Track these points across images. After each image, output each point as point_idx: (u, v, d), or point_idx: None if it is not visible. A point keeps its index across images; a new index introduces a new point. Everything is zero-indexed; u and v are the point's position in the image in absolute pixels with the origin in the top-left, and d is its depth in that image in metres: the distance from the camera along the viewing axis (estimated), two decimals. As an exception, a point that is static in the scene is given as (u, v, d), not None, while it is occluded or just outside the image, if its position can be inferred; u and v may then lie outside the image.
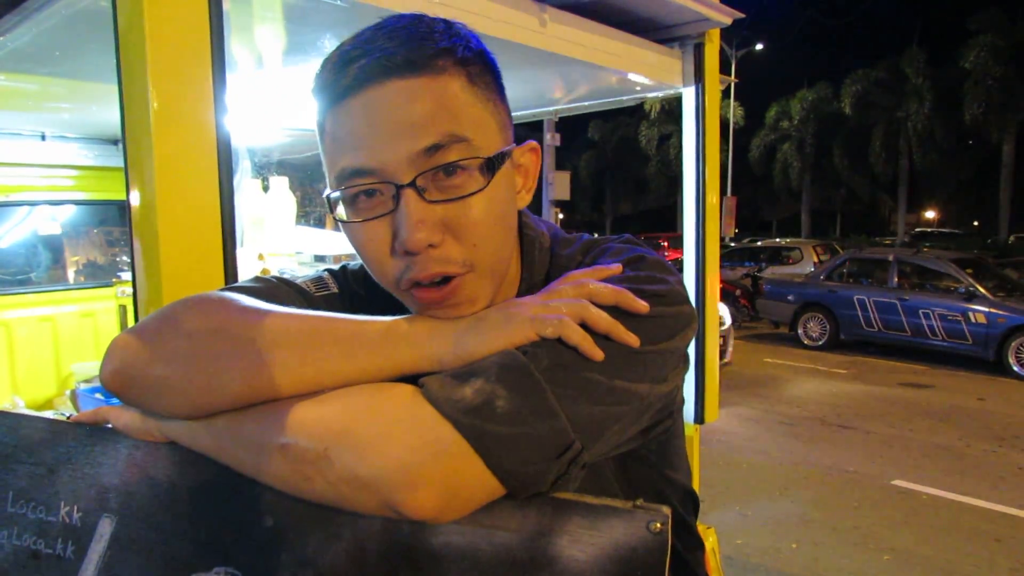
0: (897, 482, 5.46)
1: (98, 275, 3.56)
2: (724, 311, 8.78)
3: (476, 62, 0.74)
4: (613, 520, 0.64)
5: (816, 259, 16.71)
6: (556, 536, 0.65)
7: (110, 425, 0.84)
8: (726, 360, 8.93)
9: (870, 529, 4.63)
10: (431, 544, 0.68)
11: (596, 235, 0.94)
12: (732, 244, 22.81)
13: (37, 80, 2.17)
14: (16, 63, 1.89)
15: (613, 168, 39.62)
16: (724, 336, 8.69)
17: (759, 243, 21.34)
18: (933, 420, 7.23)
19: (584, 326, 0.68)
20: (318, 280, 0.91)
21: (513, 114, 2.53)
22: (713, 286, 2.41)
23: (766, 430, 6.90)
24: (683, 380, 0.84)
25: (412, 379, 0.68)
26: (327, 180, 0.76)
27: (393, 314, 0.75)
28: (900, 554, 4.27)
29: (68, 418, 0.92)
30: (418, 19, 0.74)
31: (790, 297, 11.69)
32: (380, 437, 0.64)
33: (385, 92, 0.69)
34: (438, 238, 0.70)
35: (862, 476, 5.62)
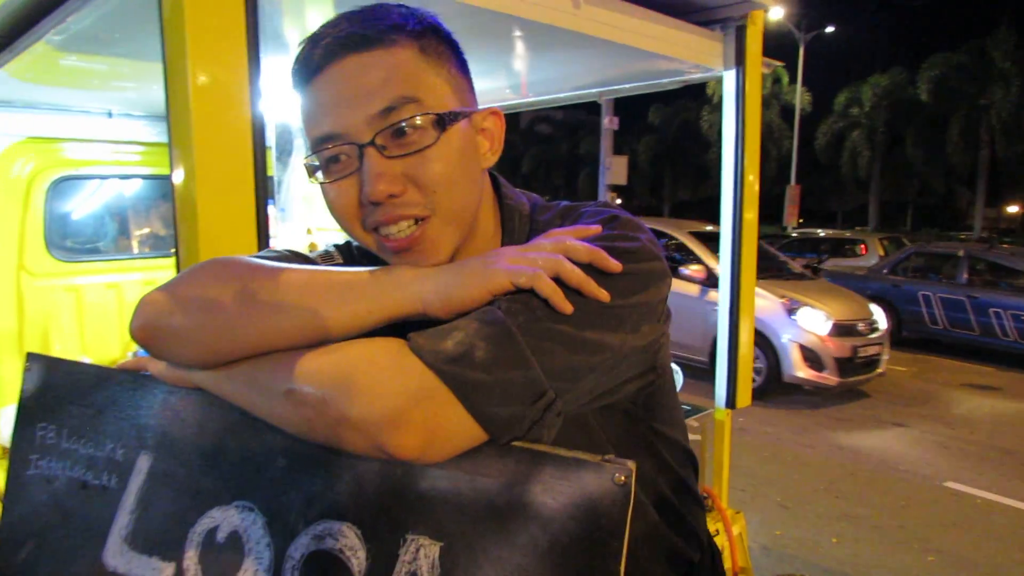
0: (950, 484, 5.32)
1: (159, 246, 3.74)
2: (879, 314, 8.03)
3: (428, 35, 0.81)
4: (582, 472, 0.69)
5: (882, 252, 16.21)
6: (531, 484, 0.71)
7: (149, 372, 0.93)
8: (880, 370, 7.84)
9: (916, 529, 4.54)
10: (421, 486, 0.75)
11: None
12: (794, 234, 22.30)
13: (104, 60, 2.30)
14: (83, 44, 2.02)
15: (673, 153, 39.00)
16: (880, 343, 7.77)
17: (822, 233, 20.77)
18: (997, 423, 6.98)
19: (558, 280, 0.73)
20: (325, 254, 0.99)
21: (551, 96, 2.55)
22: (750, 274, 2.41)
23: (816, 424, 6.79)
24: (664, 336, 0.88)
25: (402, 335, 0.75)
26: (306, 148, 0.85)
27: None
28: (946, 556, 4.18)
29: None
30: (378, 3, 0.83)
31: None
32: (370, 384, 0.70)
33: (344, 66, 0.78)
34: (398, 188, 0.78)
35: (913, 475, 5.50)
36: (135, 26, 1.79)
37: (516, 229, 0.92)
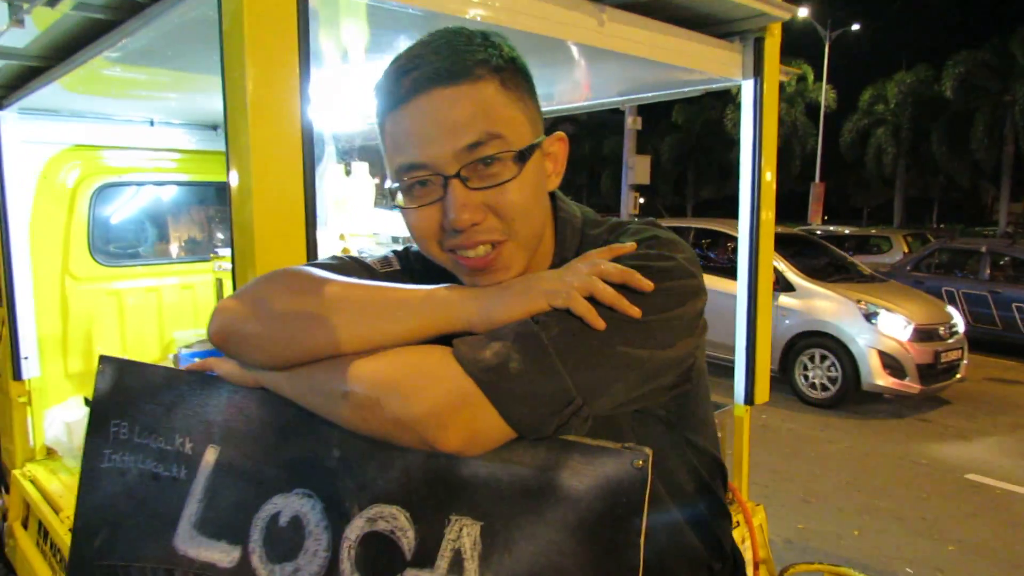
0: (971, 476, 5.37)
1: (197, 251, 3.86)
2: (957, 317, 7.70)
3: (508, 68, 0.87)
4: (605, 458, 0.79)
5: (906, 248, 16.10)
6: (560, 470, 0.80)
7: (215, 373, 1.02)
8: (960, 375, 7.42)
9: (937, 520, 4.60)
10: (462, 473, 0.84)
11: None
12: (818, 232, 22.19)
13: (148, 71, 2.42)
14: (135, 59, 2.14)
15: (697, 152, 38.84)
16: (960, 347, 7.40)
17: (846, 231, 20.63)
18: (1018, 416, 7.01)
19: (592, 299, 0.81)
20: (384, 260, 1.07)
21: (576, 104, 2.64)
22: (766, 275, 2.48)
23: (838, 420, 6.83)
24: (700, 347, 0.94)
25: (448, 340, 0.84)
26: (387, 171, 0.92)
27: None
28: (966, 545, 4.24)
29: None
30: (458, 33, 0.88)
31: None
32: (418, 388, 0.79)
33: (432, 99, 0.83)
34: (480, 217, 0.85)
35: (935, 468, 5.54)
36: (185, 43, 1.90)
37: (568, 240, 0.98)
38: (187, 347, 3.16)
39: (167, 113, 3.37)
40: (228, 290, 3.62)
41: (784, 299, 7.53)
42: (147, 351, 3.67)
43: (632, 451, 0.78)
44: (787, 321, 7.55)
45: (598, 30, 1.90)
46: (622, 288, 0.82)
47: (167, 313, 3.71)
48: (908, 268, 11.27)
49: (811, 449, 5.98)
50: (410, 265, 1.07)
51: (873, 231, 19.87)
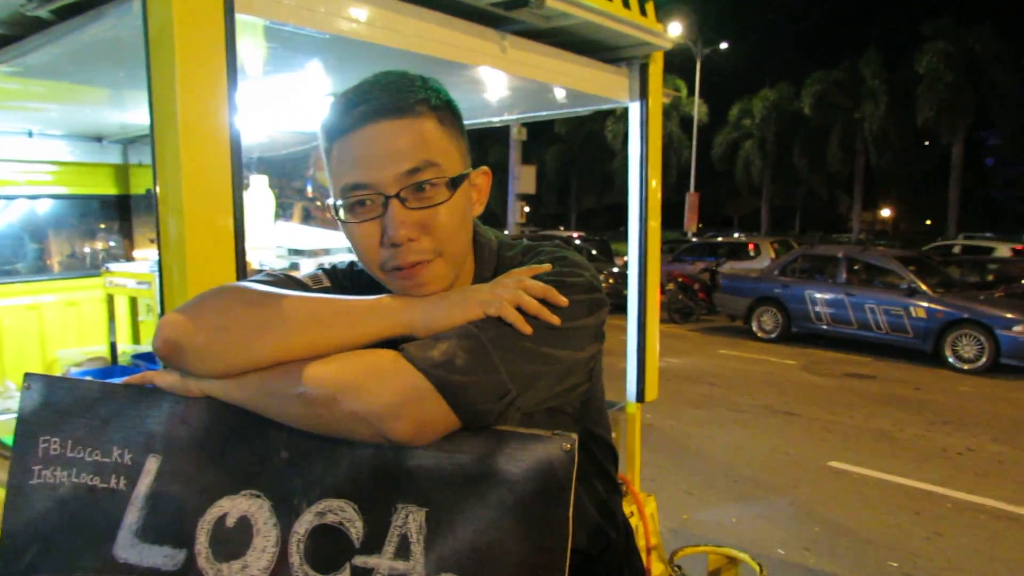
0: (833, 463, 5.87)
1: (82, 266, 3.72)
2: None
3: (444, 108, 1.00)
4: (537, 444, 0.91)
5: (773, 255, 17.25)
6: (497, 456, 0.91)
7: (153, 385, 1.07)
8: None
9: (804, 504, 5.03)
10: (408, 465, 0.94)
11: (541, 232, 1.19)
12: (694, 239, 23.38)
13: (42, 84, 2.34)
14: (28, 72, 2.08)
15: (579, 162, 40.04)
16: None
17: (719, 238, 21.88)
18: (872, 407, 7.68)
19: (520, 309, 0.93)
20: (315, 277, 1.15)
21: (477, 121, 2.79)
22: (654, 280, 2.69)
23: (715, 417, 7.27)
24: (600, 352, 1.09)
25: (389, 345, 0.93)
26: (331, 191, 1.02)
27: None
28: (829, 527, 4.67)
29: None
30: (403, 75, 1.00)
31: (744, 291, 12.18)
32: (373, 385, 0.89)
33: (378, 129, 0.95)
34: (415, 234, 0.96)
35: (802, 458, 6.02)
36: (84, 59, 1.88)
37: (485, 261, 1.11)
38: (76, 366, 3.05)
39: (47, 124, 3.24)
40: (123, 306, 3.51)
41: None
42: (28, 371, 3.47)
43: (561, 436, 0.90)
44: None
45: (501, 56, 2.03)
46: (542, 301, 0.95)
47: (49, 331, 3.54)
48: (776, 272, 12.09)
49: (692, 444, 6.35)
50: (339, 282, 1.16)
51: (744, 238, 21.15)
